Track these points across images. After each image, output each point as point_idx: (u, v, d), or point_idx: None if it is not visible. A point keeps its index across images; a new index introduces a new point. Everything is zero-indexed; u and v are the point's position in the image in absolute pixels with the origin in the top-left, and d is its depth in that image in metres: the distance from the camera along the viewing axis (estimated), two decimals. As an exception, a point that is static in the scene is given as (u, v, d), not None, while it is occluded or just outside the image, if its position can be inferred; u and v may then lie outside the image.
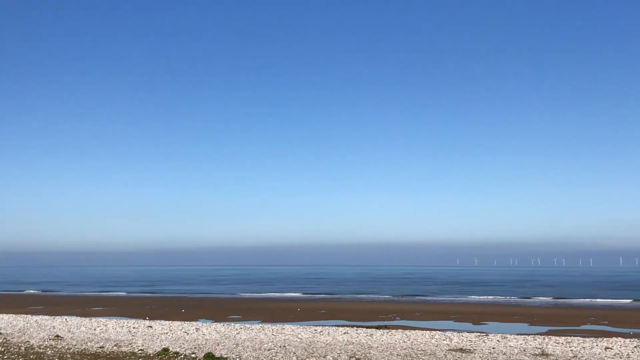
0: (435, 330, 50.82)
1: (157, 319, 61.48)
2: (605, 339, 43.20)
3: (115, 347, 36.94)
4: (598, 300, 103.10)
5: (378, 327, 51.98)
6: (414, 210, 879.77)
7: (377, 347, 37.48)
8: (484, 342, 39.94)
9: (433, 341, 40.68)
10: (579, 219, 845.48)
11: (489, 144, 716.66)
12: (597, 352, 35.46)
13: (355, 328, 50.32)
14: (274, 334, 44.99)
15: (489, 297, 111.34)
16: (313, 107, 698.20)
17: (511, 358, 32.94)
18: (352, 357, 32.66)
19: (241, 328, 49.22)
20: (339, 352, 34.69)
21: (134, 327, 49.74)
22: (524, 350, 36.06)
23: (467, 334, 45.93)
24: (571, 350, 36.17)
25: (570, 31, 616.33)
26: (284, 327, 50.87)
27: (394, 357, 32.71)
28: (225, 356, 32.66)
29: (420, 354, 34.39)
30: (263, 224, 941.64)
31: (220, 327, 50.38)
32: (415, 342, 39.93)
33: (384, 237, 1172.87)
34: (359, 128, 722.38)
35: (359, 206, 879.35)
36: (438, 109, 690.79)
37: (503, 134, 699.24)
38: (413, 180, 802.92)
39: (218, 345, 37.86)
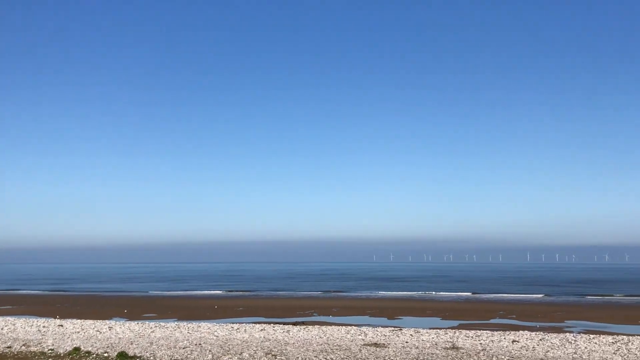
0: (351, 325, 51.62)
1: (69, 318, 59.69)
2: (512, 332, 44.99)
3: (23, 347, 35.68)
4: (507, 295, 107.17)
5: (295, 324, 52.31)
6: (331, 207, 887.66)
7: (293, 343, 37.75)
8: (398, 337, 40.90)
9: (349, 336, 41.31)
10: (488, 216, 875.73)
11: (403, 143, 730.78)
12: (505, 345, 36.92)
13: (272, 325, 50.46)
14: (190, 332, 44.56)
15: (404, 292, 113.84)
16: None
17: (423, 352, 33.88)
18: (269, 353, 32.80)
19: (156, 326, 48.48)
20: (255, 349, 34.74)
21: (43, 326, 48.15)
22: (436, 344, 37.15)
23: (382, 328, 46.89)
24: (480, 344, 37.53)
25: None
26: (200, 325, 50.44)
27: (310, 353, 33.05)
28: (139, 355, 32.14)
29: (336, 349, 34.89)
30: (179, 220, 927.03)
31: (134, 325, 49.44)
32: (332, 338, 40.45)
33: (303, 234, 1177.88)
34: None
35: (276, 203, 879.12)
36: (345, 107, 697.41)
37: (417, 133, 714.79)
38: (330, 179, 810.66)
39: (132, 344, 37.18)
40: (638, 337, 41.56)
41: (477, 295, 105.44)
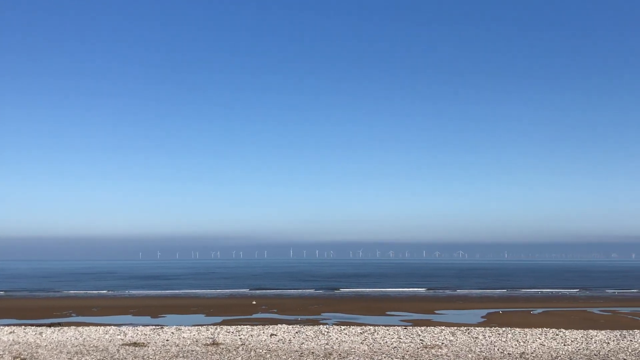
0: (111, 325, 50.05)
1: None
2: (272, 326, 46.81)
3: None
4: (270, 290, 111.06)
5: (50, 325, 49.44)
6: (92, 203, 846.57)
7: (46, 345, 35.77)
8: (159, 335, 40.57)
9: (107, 336, 40.11)
10: (253, 214, 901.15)
11: (147, 143, 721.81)
12: (263, 339, 38.40)
13: (23, 327, 47.17)
14: None
15: (170, 290, 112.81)
16: None
17: (183, 349, 34.06)
18: (17, 357, 30.79)
19: None
20: (1, 352, 32.38)
21: None
22: (197, 341, 37.52)
23: (143, 327, 46.10)
24: (240, 338, 38.62)
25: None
26: (-63, 329, 45.58)
27: (64, 355, 31.61)
28: None
29: (92, 350, 33.74)
30: None
31: None
32: (88, 339, 38.98)
33: (63, 230, 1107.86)
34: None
35: (32, 197, 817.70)
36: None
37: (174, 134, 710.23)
38: (94, 177, 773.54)
39: None
40: (383, 327, 45.60)
41: (242, 291, 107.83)
